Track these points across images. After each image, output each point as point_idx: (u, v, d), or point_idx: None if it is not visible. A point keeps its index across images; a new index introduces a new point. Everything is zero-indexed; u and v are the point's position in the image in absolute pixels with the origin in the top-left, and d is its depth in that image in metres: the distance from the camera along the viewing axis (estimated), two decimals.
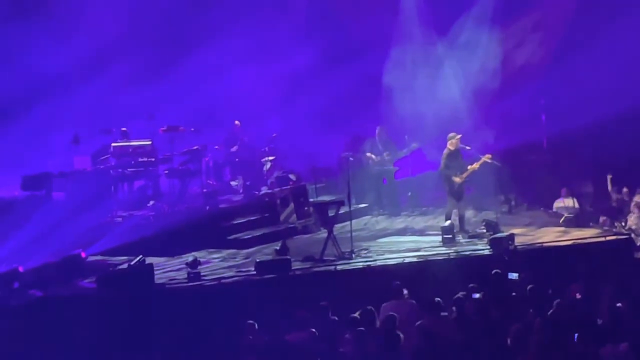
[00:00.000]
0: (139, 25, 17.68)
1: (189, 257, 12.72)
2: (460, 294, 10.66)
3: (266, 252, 13.87)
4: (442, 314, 10.33)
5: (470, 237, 14.33)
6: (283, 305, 11.16)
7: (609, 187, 16.44)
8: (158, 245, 13.72)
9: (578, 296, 11.04)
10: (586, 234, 14.27)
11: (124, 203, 15.67)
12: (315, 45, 18.78)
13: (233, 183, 17.43)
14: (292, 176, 16.51)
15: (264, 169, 17.23)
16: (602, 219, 15.67)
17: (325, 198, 15.29)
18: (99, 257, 13.92)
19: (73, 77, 17.40)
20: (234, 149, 17.51)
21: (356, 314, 10.13)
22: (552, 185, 17.37)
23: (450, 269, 12.60)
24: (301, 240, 14.93)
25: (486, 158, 14.58)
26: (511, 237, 13.46)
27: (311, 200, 15.47)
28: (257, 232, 15.03)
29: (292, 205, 15.46)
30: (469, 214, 15.89)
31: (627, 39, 17.50)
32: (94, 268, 13.08)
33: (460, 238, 14.28)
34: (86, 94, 17.56)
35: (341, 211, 14.04)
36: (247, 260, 13.54)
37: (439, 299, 10.40)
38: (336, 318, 10.17)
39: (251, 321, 10.10)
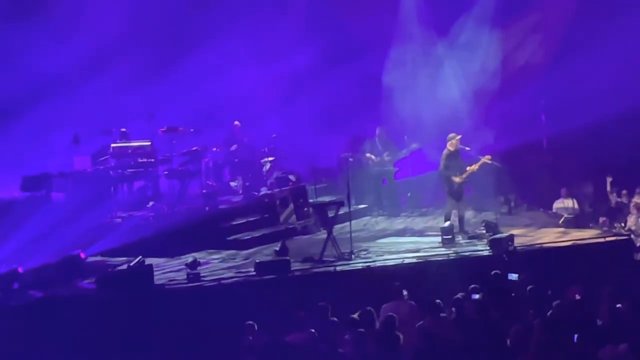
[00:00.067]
0: (139, 25, 17.66)
1: (189, 258, 12.72)
2: (459, 295, 10.66)
3: (266, 252, 13.88)
4: (442, 314, 10.32)
5: (470, 237, 14.34)
6: (283, 306, 11.17)
7: (608, 189, 16.44)
8: (157, 246, 13.72)
9: (577, 297, 11.02)
10: (586, 235, 14.27)
11: (124, 204, 15.66)
12: (315, 45, 18.77)
13: (232, 184, 17.42)
14: (291, 177, 16.51)
15: (264, 169, 17.23)
16: (601, 219, 15.68)
17: (325, 199, 15.27)
18: (98, 258, 13.93)
19: (73, 77, 17.37)
20: (233, 147, 17.50)
21: (356, 315, 10.12)
22: (551, 185, 17.40)
23: (450, 270, 12.60)
24: (301, 241, 14.93)
25: (486, 159, 14.59)
26: (511, 237, 13.46)
27: (311, 201, 15.46)
28: (257, 233, 15.03)
29: (291, 206, 15.45)
30: (469, 214, 15.90)
31: (627, 39, 17.49)
32: (94, 269, 13.08)
33: (459, 239, 14.29)
34: (86, 94, 17.55)
35: (341, 212, 14.05)
36: (246, 261, 13.53)
37: (438, 300, 10.40)
38: (336, 319, 10.15)
39: (251, 322, 10.11)
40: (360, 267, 12.79)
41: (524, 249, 13.47)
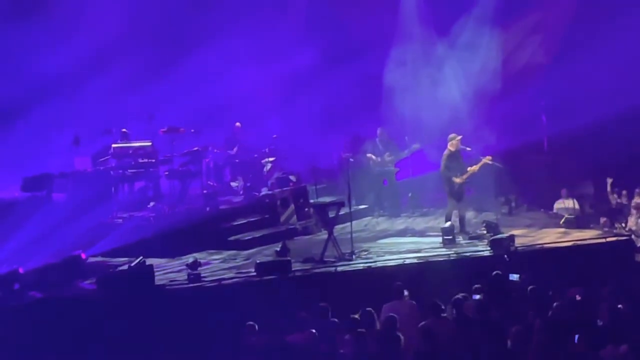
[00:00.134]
0: (139, 25, 17.66)
1: (189, 259, 12.70)
2: (459, 295, 10.65)
3: (266, 253, 13.89)
4: (443, 315, 10.32)
5: (471, 238, 14.34)
6: (283, 306, 11.17)
7: (609, 190, 16.44)
8: (158, 246, 13.72)
9: (578, 297, 11.03)
10: (586, 235, 14.28)
11: (125, 204, 15.66)
12: (315, 45, 18.78)
13: (233, 184, 17.42)
14: (292, 177, 16.51)
15: (264, 170, 17.22)
16: (602, 220, 15.67)
17: (326, 199, 15.30)
18: (99, 258, 13.93)
19: (73, 77, 17.37)
20: (234, 151, 17.50)
21: (356, 315, 10.13)
22: (552, 186, 17.39)
23: (451, 270, 12.61)
24: (301, 242, 14.94)
25: (486, 160, 14.59)
26: (511, 238, 13.47)
27: (311, 201, 15.49)
28: (258, 234, 15.03)
29: (292, 206, 15.47)
30: (470, 215, 15.90)
31: (627, 39, 17.48)
32: (94, 269, 13.08)
33: (460, 239, 14.29)
34: (87, 94, 17.56)
35: (341, 212, 14.07)
36: (247, 261, 13.54)
37: (438, 300, 10.39)
38: (336, 319, 10.16)
39: (251, 322, 10.10)
40: (361, 268, 12.79)
41: (525, 249, 13.47)
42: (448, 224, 14.30)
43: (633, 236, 14.51)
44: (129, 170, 15.61)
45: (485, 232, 14.17)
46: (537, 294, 10.84)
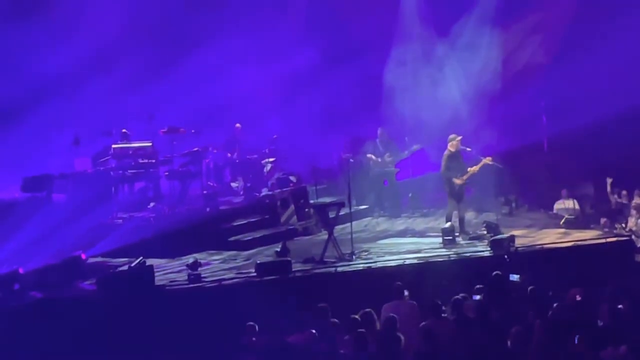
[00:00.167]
0: (139, 25, 17.66)
1: (190, 259, 12.69)
2: (458, 296, 10.65)
3: (267, 253, 13.88)
4: (443, 315, 10.32)
5: (471, 238, 14.35)
6: (283, 306, 11.17)
7: (609, 190, 16.45)
8: (158, 246, 13.71)
9: (578, 298, 11.02)
10: (587, 236, 14.30)
11: (125, 204, 15.66)
12: (315, 45, 18.80)
13: (233, 185, 17.41)
14: (292, 178, 16.51)
15: (265, 170, 17.22)
16: (602, 220, 15.66)
17: (326, 199, 15.32)
18: (99, 259, 13.92)
19: (73, 78, 17.36)
20: (234, 155, 17.52)
21: (356, 316, 10.13)
22: (552, 186, 17.39)
23: (451, 271, 12.60)
24: (302, 242, 14.94)
25: (487, 160, 14.59)
26: (512, 238, 13.47)
27: (312, 201, 15.50)
28: (258, 234, 15.03)
29: (292, 206, 15.47)
30: (470, 215, 15.91)
31: (627, 39, 17.49)
32: (94, 269, 13.07)
33: (460, 240, 14.28)
34: (87, 95, 17.55)
35: (342, 213, 14.08)
36: (247, 261, 13.54)
37: (439, 301, 10.40)
38: (336, 320, 10.15)
39: (251, 322, 10.10)
40: (361, 268, 12.79)
41: (525, 249, 13.47)
42: (448, 224, 14.30)
43: (633, 237, 14.51)
44: (129, 171, 15.61)
45: (485, 232, 14.17)
46: (537, 295, 10.85)
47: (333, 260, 13.14)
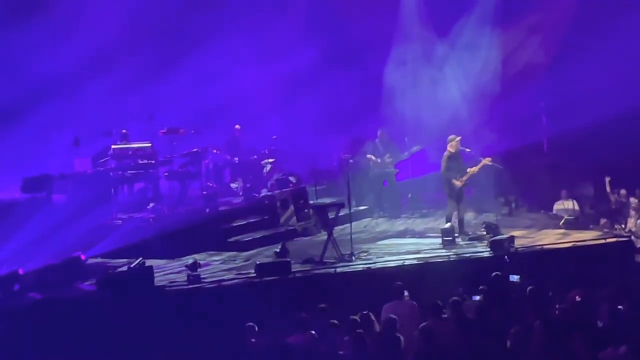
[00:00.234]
0: (139, 25, 17.67)
1: (189, 260, 12.69)
2: (456, 297, 10.65)
3: (266, 254, 13.87)
4: (444, 316, 10.32)
5: (471, 239, 14.34)
6: (283, 307, 11.19)
7: (608, 189, 16.46)
8: (158, 247, 13.71)
9: (578, 298, 11.02)
10: (586, 236, 14.29)
11: (124, 205, 15.67)
12: (316, 45, 18.81)
13: (233, 185, 17.42)
14: (292, 178, 16.50)
15: (264, 171, 17.22)
16: (602, 221, 15.67)
17: (326, 200, 15.30)
18: (98, 260, 13.91)
19: (73, 78, 17.38)
20: (234, 156, 17.51)
21: (356, 317, 10.12)
22: (552, 187, 17.39)
23: (451, 272, 12.59)
24: (301, 243, 14.94)
25: (486, 161, 14.59)
26: (511, 239, 13.46)
27: (311, 202, 15.49)
28: (257, 235, 15.02)
29: (292, 207, 15.46)
30: (470, 216, 15.91)
31: (627, 39, 17.48)
32: (94, 270, 13.05)
33: (460, 240, 14.28)
34: (86, 95, 17.57)
35: (341, 213, 14.07)
36: (247, 262, 13.52)
37: (439, 301, 10.39)
38: (336, 321, 10.15)
39: (251, 323, 10.09)
40: (360, 269, 12.77)
41: (525, 250, 13.46)
42: (448, 225, 14.29)
43: (633, 237, 14.51)
44: (129, 172, 15.61)
45: (485, 233, 14.17)
46: (536, 295, 10.84)
47: (332, 261, 13.13)
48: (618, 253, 13.58)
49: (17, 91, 16.64)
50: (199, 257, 13.34)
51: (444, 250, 13.72)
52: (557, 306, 10.17)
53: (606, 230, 15.14)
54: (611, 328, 9.59)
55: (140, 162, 15.63)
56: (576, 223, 15.29)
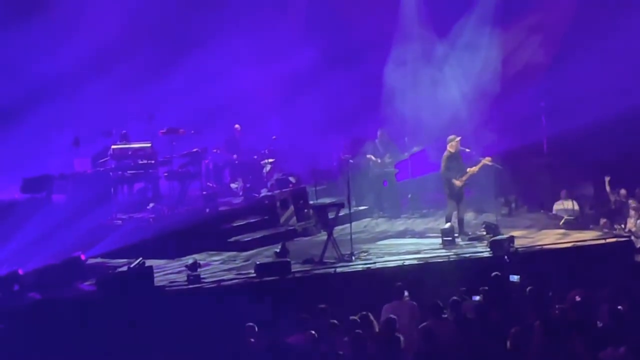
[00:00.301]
0: (139, 25, 17.66)
1: (189, 260, 12.69)
2: (456, 297, 10.66)
3: (266, 254, 13.88)
4: (444, 316, 10.33)
5: (470, 239, 14.33)
6: (283, 307, 11.18)
7: (607, 189, 16.46)
8: (158, 247, 13.73)
9: (578, 299, 11.02)
10: (586, 237, 14.27)
11: (124, 205, 15.67)
12: (316, 45, 18.80)
13: (233, 185, 17.42)
14: (292, 178, 16.51)
15: (264, 171, 17.22)
16: (602, 221, 15.66)
17: (325, 200, 15.34)
18: (98, 260, 13.92)
19: (73, 78, 17.37)
20: (234, 156, 17.51)
21: (356, 317, 10.12)
22: (552, 187, 17.38)
23: (450, 272, 12.59)
24: (301, 243, 14.93)
25: (486, 161, 14.59)
26: (511, 239, 13.45)
27: (311, 202, 15.51)
28: (257, 235, 15.01)
29: (292, 207, 15.47)
30: (469, 216, 15.90)
31: (627, 39, 17.49)
32: (94, 270, 13.07)
33: (460, 240, 14.28)
34: (86, 95, 17.56)
35: (341, 213, 14.07)
36: (247, 262, 13.52)
37: (439, 301, 10.40)
38: (336, 321, 10.15)
39: (251, 323, 10.10)
40: (360, 269, 12.77)
41: (525, 250, 13.45)
42: (448, 225, 14.29)
43: (633, 237, 14.51)
44: (129, 172, 15.62)
45: (485, 233, 14.17)
46: (536, 295, 10.84)
47: (332, 261, 13.13)
48: (618, 253, 13.57)
49: (17, 91, 16.64)
50: (199, 257, 13.35)
51: (443, 251, 13.71)
52: (557, 306, 10.15)
53: (606, 230, 15.13)
54: (611, 328, 9.58)
55: (140, 162, 15.64)
56: (576, 223, 15.27)
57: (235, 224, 15.31)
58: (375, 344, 9.36)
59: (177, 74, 17.89)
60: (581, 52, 17.47)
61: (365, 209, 17.31)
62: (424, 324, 9.81)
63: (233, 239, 14.84)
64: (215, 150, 17.33)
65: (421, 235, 15.26)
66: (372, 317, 10.15)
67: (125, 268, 12.62)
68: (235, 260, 13.86)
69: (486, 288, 11.11)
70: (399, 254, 13.61)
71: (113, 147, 15.79)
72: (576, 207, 16.74)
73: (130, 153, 15.69)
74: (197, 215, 14.98)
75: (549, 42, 18.32)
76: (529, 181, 17.67)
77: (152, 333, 11.06)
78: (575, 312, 10.11)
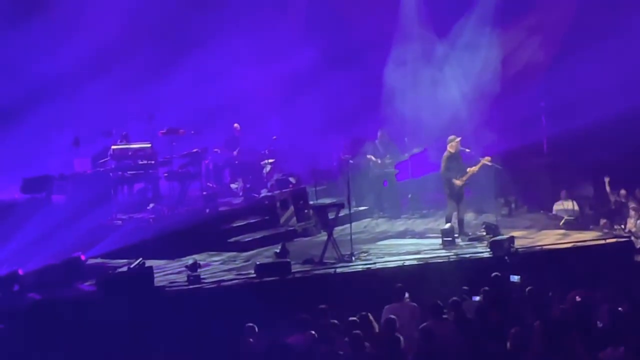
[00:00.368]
0: (139, 25, 17.66)
1: (189, 260, 12.70)
2: (456, 297, 10.66)
3: (266, 254, 13.88)
4: (444, 316, 10.33)
5: (470, 239, 14.33)
6: (283, 308, 11.18)
7: (607, 189, 16.46)
8: (158, 247, 13.71)
9: (578, 299, 11.02)
10: (586, 237, 14.28)
11: (124, 206, 15.67)
12: (316, 45, 18.79)
13: (233, 186, 17.41)
14: (292, 179, 16.50)
15: (264, 171, 17.20)
16: (602, 221, 15.67)
17: (326, 201, 15.31)
18: (98, 260, 13.91)
19: (73, 78, 17.37)
20: (235, 152, 17.51)
21: (355, 317, 10.12)
22: (552, 187, 17.39)
23: (450, 272, 12.59)
24: (301, 243, 14.93)
25: (485, 161, 14.58)
26: (511, 239, 13.46)
27: (311, 202, 15.49)
28: (257, 235, 15.01)
29: (292, 207, 15.46)
30: (469, 216, 15.90)
31: (627, 39, 17.49)
32: (94, 271, 13.05)
33: (460, 241, 14.27)
34: (86, 95, 17.55)
35: (341, 214, 14.07)
36: (247, 263, 13.52)
37: (439, 302, 10.39)
38: (336, 321, 10.15)
39: (251, 324, 10.10)
40: (360, 269, 12.77)
41: (525, 250, 13.46)
42: (448, 225, 14.29)
43: (632, 238, 14.52)
44: (129, 172, 15.61)
45: (485, 233, 14.17)
46: (536, 295, 10.85)
47: (332, 261, 13.13)
48: (618, 253, 13.58)
49: (17, 91, 16.63)
50: (199, 257, 13.35)
51: (444, 251, 13.71)
52: (557, 306, 10.15)
53: (606, 230, 15.14)
54: (611, 328, 9.59)
55: (140, 162, 15.63)
56: (576, 223, 15.29)
57: (235, 225, 15.31)
58: (375, 345, 9.36)
59: (177, 74, 17.88)
60: (581, 52, 17.47)
61: (365, 209, 17.31)
62: (424, 324, 9.80)
63: (233, 239, 14.83)
64: (215, 150, 17.32)
65: (421, 235, 15.26)
66: (371, 318, 10.15)
67: (125, 268, 12.62)
68: (235, 261, 13.85)
69: (486, 288, 11.12)
70: (399, 254, 13.61)
71: (113, 147, 15.78)
72: (576, 207, 16.75)
73: (130, 153, 15.68)
74: (197, 216, 14.97)
75: (549, 42, 18.31)
76: (529, 181, 17.67)
77: (152, 333, 11.05)
78: (575, 312, 10.11)
